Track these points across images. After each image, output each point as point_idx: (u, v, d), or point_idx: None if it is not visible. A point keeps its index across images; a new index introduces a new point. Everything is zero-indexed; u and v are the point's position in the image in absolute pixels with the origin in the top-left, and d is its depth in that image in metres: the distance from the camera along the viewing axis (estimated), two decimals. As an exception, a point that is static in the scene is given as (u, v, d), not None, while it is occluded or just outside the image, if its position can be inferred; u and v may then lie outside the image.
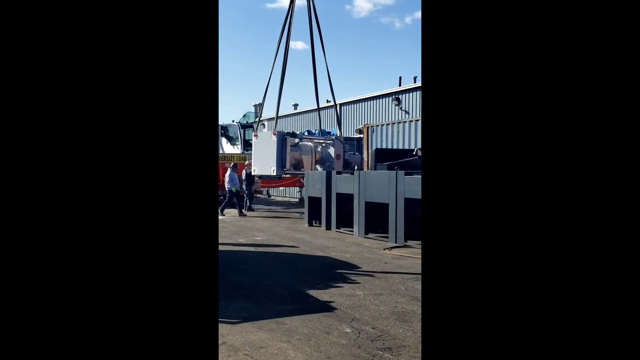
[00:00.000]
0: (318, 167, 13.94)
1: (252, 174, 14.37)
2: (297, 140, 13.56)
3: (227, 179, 13.30)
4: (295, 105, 24.66)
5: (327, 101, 19.38)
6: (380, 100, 19.54)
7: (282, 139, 13.12)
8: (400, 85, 19.42)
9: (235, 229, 10.31)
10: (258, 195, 16.73)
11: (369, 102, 19.90)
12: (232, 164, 13.18)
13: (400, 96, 18.48)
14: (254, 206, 15.16)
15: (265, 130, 15.54)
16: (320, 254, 7.41)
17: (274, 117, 14.84)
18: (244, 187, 15.20)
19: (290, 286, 5.31)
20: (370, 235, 9.06)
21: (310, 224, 10.84)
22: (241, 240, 8.71)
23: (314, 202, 10.74)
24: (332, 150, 14.10)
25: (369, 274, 5.93)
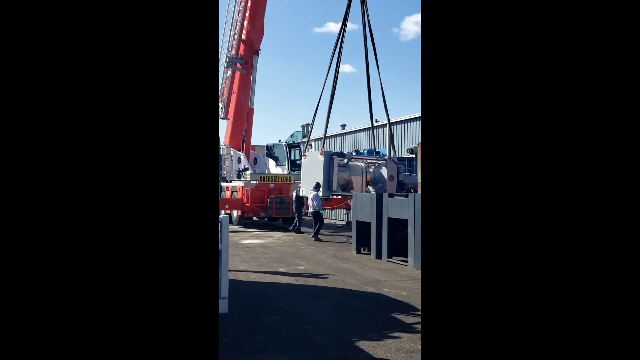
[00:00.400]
0: (370, 188, 13.01)
1: (301, 195, 13.68)
2: (345, 160, 12.71)
3: (313, 201, 12.41)
4: (343, 126, 23.88)
5: (377, 120, 18.49)
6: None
7: (330, 158, 12.33)
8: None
9: (277, 255, 9.46)
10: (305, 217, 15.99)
11: (417, 121, 18.75)
12: (315, 183, 12.44)
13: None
14: (302, 228, 14.47)
15: (312, 150, 14.86)
16: (371, 289, 6.40)
17: (322, 137, 14.10)
18: (293, 209, 14.56)
19: (335, 334, 4.35)
20: (427, 267, 7.96)
21: (359, 252, 9.79)
22: (282, 270, 7.84)
23: (363, 228, 9.67)
24: (384, 171, 13.14)
25: (432, 319, 4.86)
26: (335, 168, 12.28)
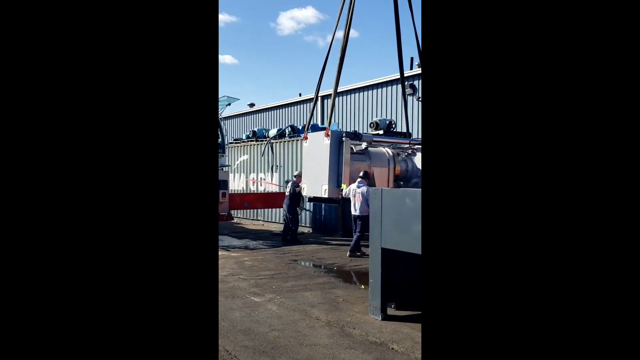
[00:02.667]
0: (401, 185, 8.49)
1: (301, 191, 9.29)
2: (363, 144, 8.16)
3: (361, 199, 7.98)
4: (252, 105, 20.47)
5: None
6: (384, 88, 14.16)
7: (339, 141, 7.81)
8: (412, 69, 14.14)
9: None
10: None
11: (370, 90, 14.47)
12: (361, 172, 7.89)
13: (415, 82, 13.28)
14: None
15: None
16: None
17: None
18: (285, 210, 10.34)
19: None
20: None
21: (385, 314, 4.86)
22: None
23: (391, 263, 4.87)
24: (419, 159, 8.55)
25: None
26: (347, 155, 7.77)
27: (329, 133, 7.71)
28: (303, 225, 11.99)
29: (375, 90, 14.72)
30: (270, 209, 13.68)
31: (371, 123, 9.99)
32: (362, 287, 6.46)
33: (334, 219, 11.91)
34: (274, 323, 4.80)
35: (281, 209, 12.45)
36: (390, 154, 8.52)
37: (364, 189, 7.88)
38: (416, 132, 12.57)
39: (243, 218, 14.93)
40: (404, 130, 10.27)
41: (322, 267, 7.94)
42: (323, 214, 12.22)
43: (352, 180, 7.86)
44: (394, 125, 10.13)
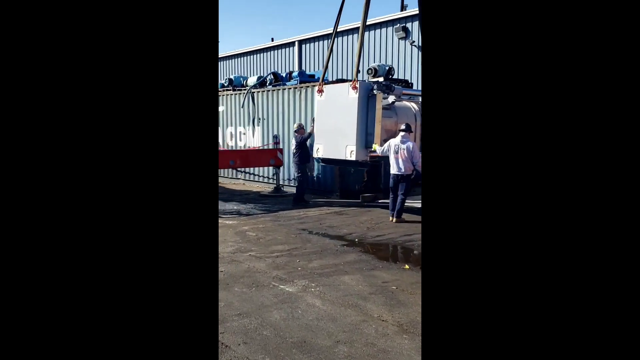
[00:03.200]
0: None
1: (315, 152, 8.13)
2: (390, 98, 6.91)
3: (408, 154, 6.90)
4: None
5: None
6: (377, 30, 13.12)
7: (369, 95, 6.55)
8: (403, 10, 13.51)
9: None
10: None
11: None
12: (403, 125, 6.77)
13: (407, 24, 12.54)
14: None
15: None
16: None
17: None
18: (294, 167, 9.23)
19: None
20: None
21: None
22: None
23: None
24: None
25: None
26: (379, 112, 6.51)
27: (357, 85, 6.43)
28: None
29: (368, 33, 13.36)
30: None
31: (369, 69, 8.78)
32: (406, 266, 5.50)
33: (329, 179, 10.81)
34: (330, 329, 3.74)
35: (263, 168, 11.23)
36: (416, 108, 7.41)
37: (410, 144, 6.78)
38: (416, 83, 11.50)
39: (222, 177, 13.54)
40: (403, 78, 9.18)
41: (342, 238, 6.88)
42: (317, 173, 11.07)
43: (382, 141, 6.71)
44: (393, 72, 8.94)
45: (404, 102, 7.47)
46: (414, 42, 12.62)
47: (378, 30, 13.44)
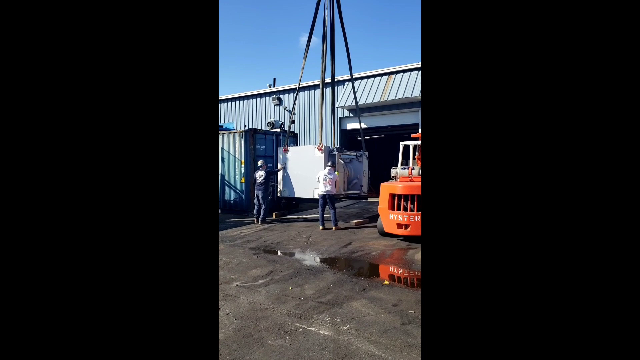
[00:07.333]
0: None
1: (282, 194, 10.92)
2: (336, 155, 10.65)
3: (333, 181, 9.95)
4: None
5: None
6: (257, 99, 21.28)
7: (330, 153, 9.99)
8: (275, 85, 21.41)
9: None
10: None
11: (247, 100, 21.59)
12: (329, 162, 10.16)
13: (281, 96, 20.14)
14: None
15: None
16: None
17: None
18: (259, 194, 10.96)
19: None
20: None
21: None
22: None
23: None
24: (355, 165, 11.27)
25: None
26: (340, 164, 9.97)
27: (322, 147, 9.82)
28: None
29: (263, 99, 21.28)
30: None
31: (268, 122, 13.61)
32: (386, 282, 5.80)
33: (245, 200, 12.84)
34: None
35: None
36: (342, 162, 11.01)
37: (333, 175, 9.98)
38: (303, 139, 19.07)
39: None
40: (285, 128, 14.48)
41: (307, 257, 7.22)
42: (232, 196, 13.07)
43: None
44: (283, 125, 13.99)
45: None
46: (286, 107, 19.58)
47: (262, 99, 21.16)
